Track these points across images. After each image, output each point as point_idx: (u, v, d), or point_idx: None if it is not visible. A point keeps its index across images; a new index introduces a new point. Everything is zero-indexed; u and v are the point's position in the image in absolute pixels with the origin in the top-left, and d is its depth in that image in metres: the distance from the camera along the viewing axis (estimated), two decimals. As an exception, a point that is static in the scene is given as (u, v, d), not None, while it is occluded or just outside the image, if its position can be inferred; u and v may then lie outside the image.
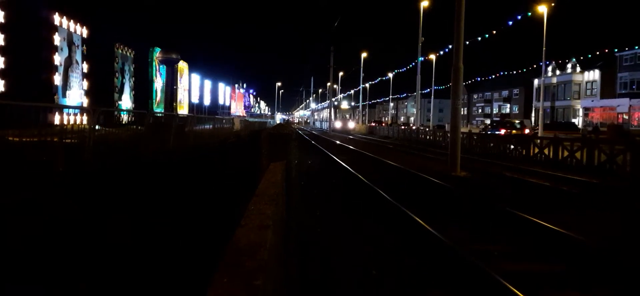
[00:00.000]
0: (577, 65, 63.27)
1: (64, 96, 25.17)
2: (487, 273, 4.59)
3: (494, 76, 69.52)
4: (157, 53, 35.70)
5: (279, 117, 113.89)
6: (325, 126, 71.13)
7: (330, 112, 59.42)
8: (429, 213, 7.61)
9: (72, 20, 26.02)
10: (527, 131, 36.84)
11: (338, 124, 58.58)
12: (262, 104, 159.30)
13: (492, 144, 22.77)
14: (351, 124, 60.13)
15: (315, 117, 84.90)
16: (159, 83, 38.40)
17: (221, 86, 68.11)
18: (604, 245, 5.85)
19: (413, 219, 6.98)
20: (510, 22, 34.17)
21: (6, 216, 5.84)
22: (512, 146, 20.98)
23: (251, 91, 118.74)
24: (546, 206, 8.93)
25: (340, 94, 76.92)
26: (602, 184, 11.87)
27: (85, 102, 26.85)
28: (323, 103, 74.51)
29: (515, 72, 62.17)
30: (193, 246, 5.39)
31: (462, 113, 16.14)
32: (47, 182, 7.44)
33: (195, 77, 51.77)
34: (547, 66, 59.48)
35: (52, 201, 6.65)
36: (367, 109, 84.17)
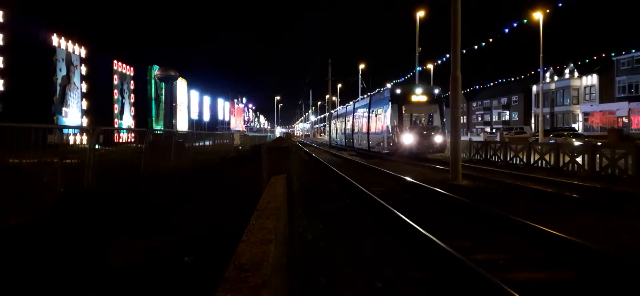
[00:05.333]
0: (575, 70, 63.51)
1: (63, 115, 25.23)
2: (494, 284, 4.54)
3: (492, 84, 69.79)
4: (156, 71, 35.87)
5: (279, 130, 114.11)
6: (330, 138, 46.65)
7: (389, 114, 26.80)
8: (434, 223, 7.57)
9: (70, 41, 26.16)
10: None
11: (409, 139, 25.39)
12: (262, 118, 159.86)
13: (492, 152, 22.73)
14: (438, 139, 25.70)
15: (337, 125, 46.80)
16: (158, 101, 38.51)
17: (220, 101, 68.30)
18: (611, 252, 5.78)
19: (418, 231, 6.93)
20: (507, 30, 34.37)
21: (7, 241, 5.80)
22: (512, 153, 20.95)
23: (250, 105, 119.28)
24: (549, 212, 8.89)
25: (339, 105, 58.84)
26: (605, 189, 11.82)
27: (84, 121, 26.90)
28: (356, 102, 40.12)
29: (513, 79, 62.43)
30: (195, 263, 5.35)
31: (461, 121, 16.20)
32: (48, 204, 7.41)
33: (194, 94, 51.93)
34: (545, 71, 59.69)
35: (53, 224, 6.62)
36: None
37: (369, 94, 41.76)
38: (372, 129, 30.32)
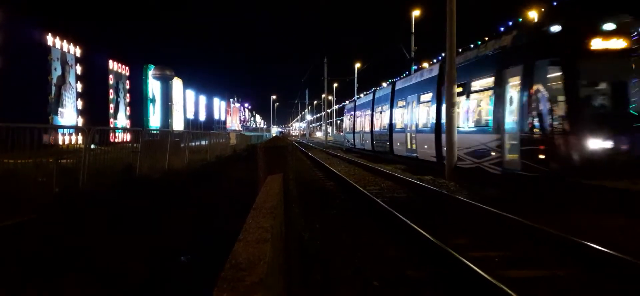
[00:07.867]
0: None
1: (58, 115, 25.13)
2: (489, 282, 4.56)
3: (487, 82, 69.68)
4: (152, 70, 35.78)
5: (275, 130, 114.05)
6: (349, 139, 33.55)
7: (529, 86, 10.75)
8: (429, 221, 7.61)
9: (65, 40, 26.05)
10: None
11: (596, 143, 9.93)
12: (258, 117, 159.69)
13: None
14: None
15: (356, 120, 31.84)
16: (153, 100, 38.43)
17: (216, 100, 68.21)
18: (601, 248, 5.82)
19: (414, 228, 6.95)
20: (502, 29, 34.40)
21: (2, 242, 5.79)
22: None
23: (246, 104, 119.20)
24: (542, 208, 8.94)
25: (336, 105, 59.26)
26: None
27: (80, 121, 26.79)
28: (399, 79, 23.66)
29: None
30: (190, 263, 5.36)
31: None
32: (44, 204, 7.39)
33: (190, 93, 51.82)
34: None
35: (49, 225, 6.60)
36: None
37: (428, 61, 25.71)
38: (464, 125, 14.76)
